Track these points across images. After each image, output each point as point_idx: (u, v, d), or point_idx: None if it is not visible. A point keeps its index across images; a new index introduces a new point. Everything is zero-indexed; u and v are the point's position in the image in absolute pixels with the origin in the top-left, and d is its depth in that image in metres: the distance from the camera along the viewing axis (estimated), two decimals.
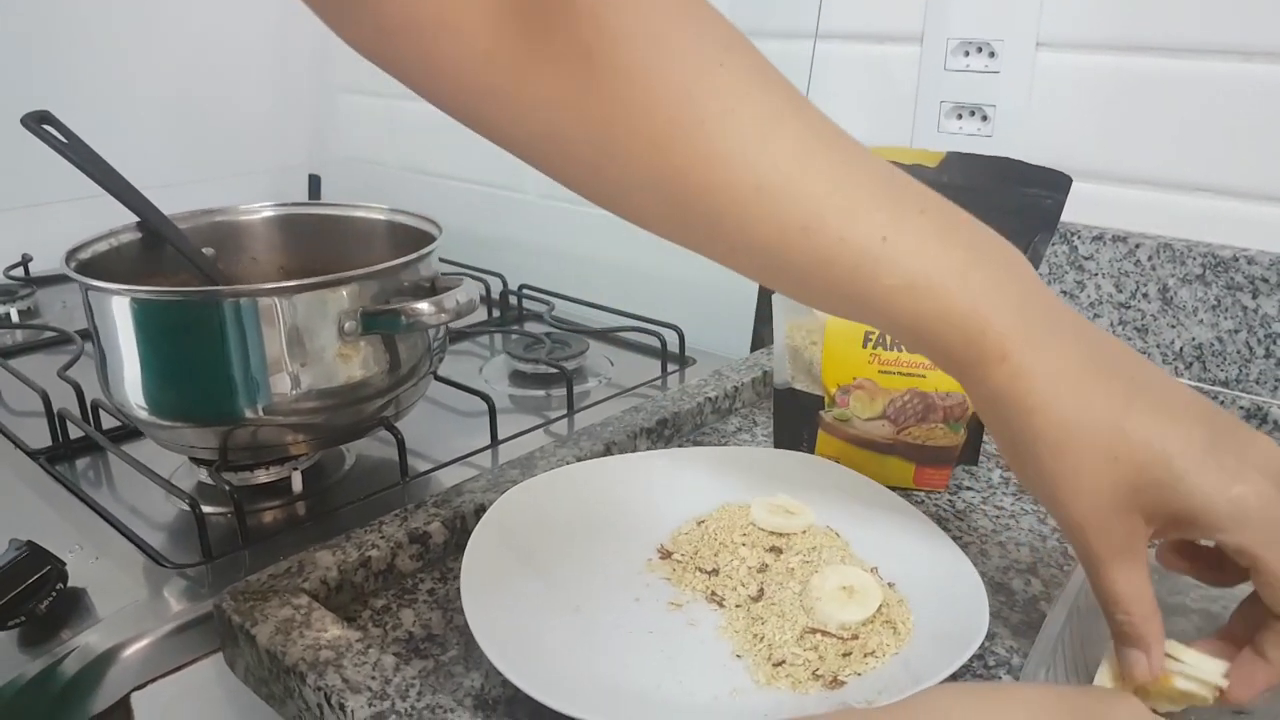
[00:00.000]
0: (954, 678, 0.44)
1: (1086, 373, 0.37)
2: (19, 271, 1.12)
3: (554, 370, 0.84)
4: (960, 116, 0.83)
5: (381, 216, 0.73)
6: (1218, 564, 0.41)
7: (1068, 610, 0.45)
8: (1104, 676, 0.43)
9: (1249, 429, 0.38)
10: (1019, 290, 0.38)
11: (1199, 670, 0.40)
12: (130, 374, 0.59)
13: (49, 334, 0.95)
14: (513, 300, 1.04)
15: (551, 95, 0.36)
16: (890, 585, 0.51)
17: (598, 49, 0.35)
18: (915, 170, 0.59)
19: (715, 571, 0.53)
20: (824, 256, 0.37)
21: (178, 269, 0.69)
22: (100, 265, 0.64)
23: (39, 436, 0.72)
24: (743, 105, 0.36)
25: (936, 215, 0.38)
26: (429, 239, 0.66)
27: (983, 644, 0.47)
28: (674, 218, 0.38)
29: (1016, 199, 0.59)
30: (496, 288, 1.05)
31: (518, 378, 0.87)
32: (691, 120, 0.36)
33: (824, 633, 0.47)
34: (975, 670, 0.47)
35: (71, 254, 0.62)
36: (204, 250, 0.70)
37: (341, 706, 0.42)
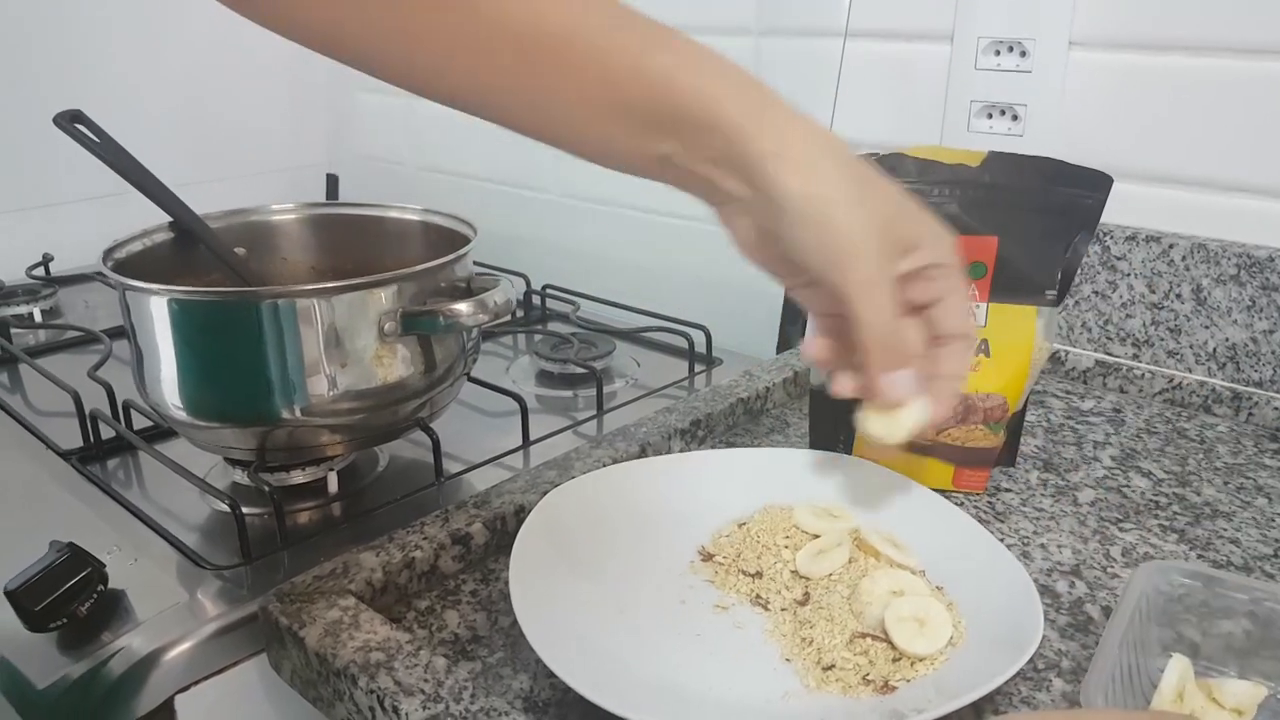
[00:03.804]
0: (1006, 682, 0.43)
1: (837, 154, 0.43)
2: (40, 271, 1.12)
3: (583, 370, 0.83)
4: (990, 116, 0.83)
5: (415, 217, 0.73)
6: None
7: (1126, 620, 0.44)
8: (1163, 699, 0.43)
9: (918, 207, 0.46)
10: (766, 95, 0.43)
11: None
12: (168, 374, 0.59)
13: (73, 333, 0.95)
14: (536, 300, 1.04)
15: None
16: (939, 589, 0.50)
17: None
18: (958, 169, 0.58)
19: (759, 574, 0.53)
20: (607, 52, 0.41)
21: (209, 269, 0.69)
22: (134, 265, 0.64)
23: (69, 437, 0.72)
24: None
25: (700, 45, 0.43)
26: (464, 240, 0.66)
27: None
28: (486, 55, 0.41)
29: (1057, 198, 0.59)
30: (520, 287, 1.04)
31: (545, 378, 0.87)
32: None
33: (874, 637, 0.47)
34: (1025, 674, 0.47)
35: (108, 253, 0.62)
36: (236, 250, 0.70)
37: (395, 709, 0.42)
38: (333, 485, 0.66)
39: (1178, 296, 0.77)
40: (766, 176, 0.42)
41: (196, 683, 0.52)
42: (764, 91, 0.43)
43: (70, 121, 0.65)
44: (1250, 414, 0.74)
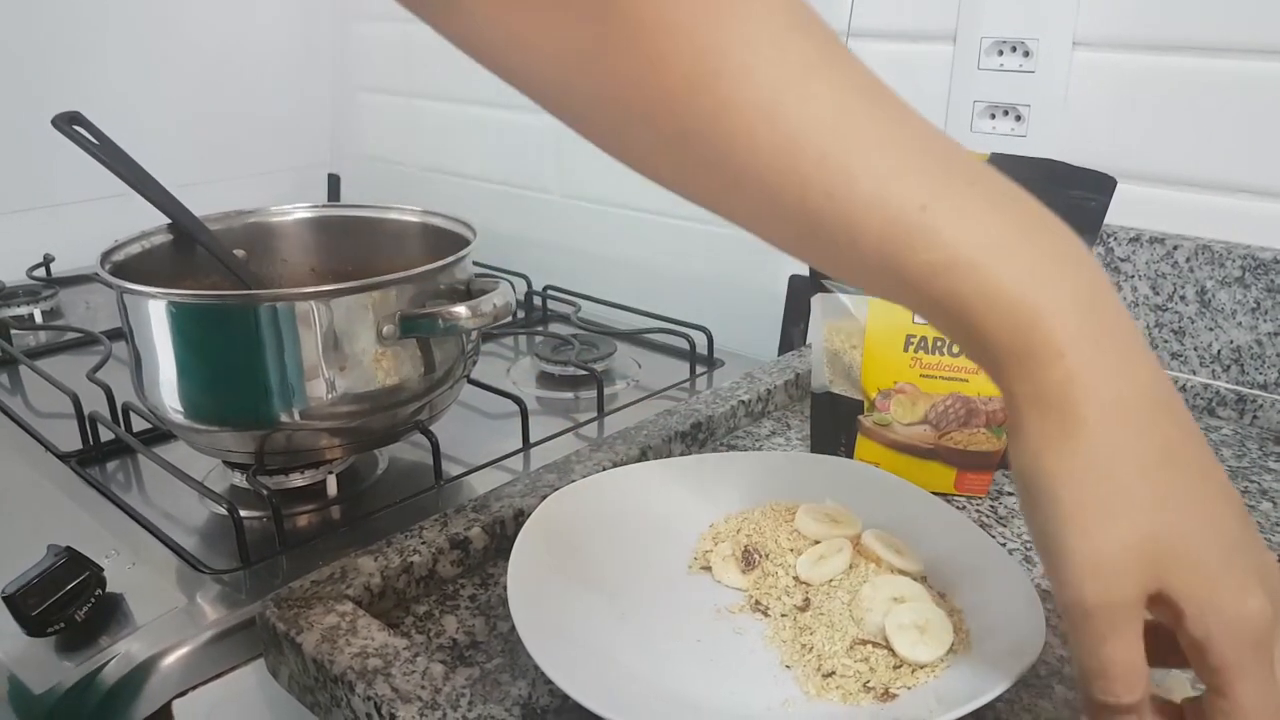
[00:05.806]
0: (1008, 689, 0.43)
1: (1148, 407, 0.32)
2: (41, 272, 1.12)
3: (583, 372, 0.83)
4: (994, 117, 0.83)
5: (414, 218, 0.73)
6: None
7: None
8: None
9: (1262, 541, 0.34)
10: (1081, 281, 0.32)
11: None
12: (166, 378, 0.58)
13: (73, 335, 0.95)
14: (537, 301, 1.04)
15: (566, 48, 0.33)
16: (941, 595, 0.50)
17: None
18: None
19: (763, 557, 0.52)
20: (852, 224, 0.32)
21: (209, 271, 0.69)
22: (132, 267, 0.64)
23: (68, 439, 0.72)
24: (766, 56, 0.32)
25: (989, 187, 0.33)
26: (463, 241, 0.66)
27: None
28: (698, 179, 0.35)
29: (1059, 201, 0.58)
30: (521, 289, 1.04)
31: (545, 379, 0.86)
32: (708, 73, 0.32)
33: (874, 644, 0.47)
34: (1027, 680, 0.47)
35: (106, 256, 0.62)
36: (235, 252, 0.70)
37: (392, 716, 0.42)
38: (332, 488, 0.65)
39: (1182, 298, 0.76)
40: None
41: (194, 687, 0.51)
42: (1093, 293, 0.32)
43: (68, 123, 0.64)
44: (1255, 417, 0.74)
